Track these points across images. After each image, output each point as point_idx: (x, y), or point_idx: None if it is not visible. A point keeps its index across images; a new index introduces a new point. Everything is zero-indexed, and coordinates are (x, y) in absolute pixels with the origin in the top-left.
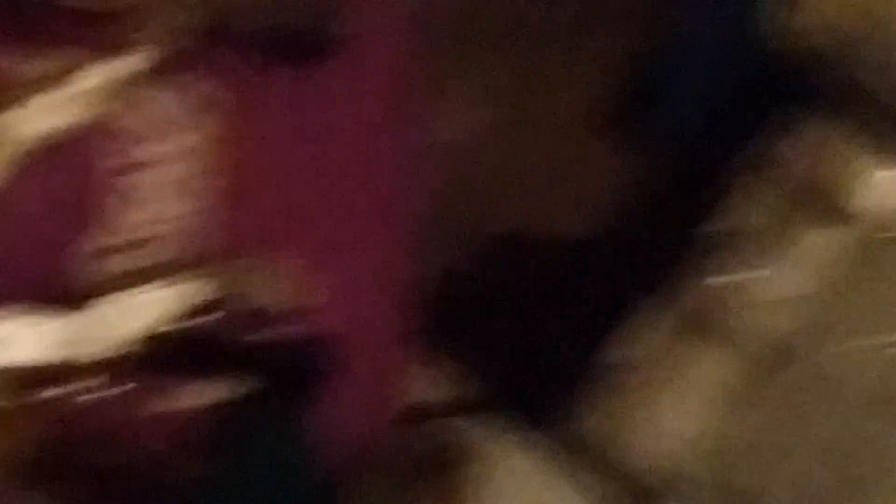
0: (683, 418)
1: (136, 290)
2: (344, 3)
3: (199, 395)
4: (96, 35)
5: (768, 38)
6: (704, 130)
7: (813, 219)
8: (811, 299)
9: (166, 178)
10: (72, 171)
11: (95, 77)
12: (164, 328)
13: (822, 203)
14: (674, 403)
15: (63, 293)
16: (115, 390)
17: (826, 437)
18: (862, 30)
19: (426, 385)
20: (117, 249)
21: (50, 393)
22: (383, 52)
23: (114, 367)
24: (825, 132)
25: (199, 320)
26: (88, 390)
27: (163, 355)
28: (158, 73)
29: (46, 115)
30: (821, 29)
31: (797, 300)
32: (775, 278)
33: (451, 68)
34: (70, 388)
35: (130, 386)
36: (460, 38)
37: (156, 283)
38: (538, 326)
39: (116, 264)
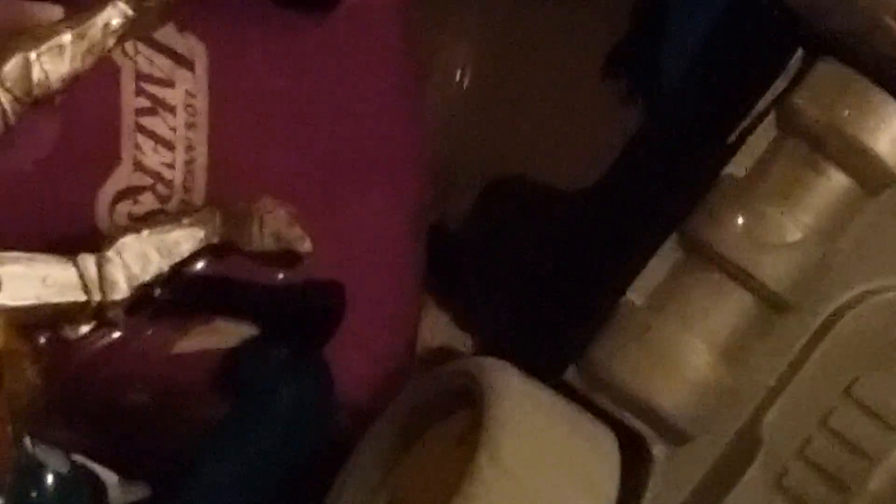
0: (694, 360)
1: (149, 233)
2: None
3: (212, 337)
4: None
5: None
6: (712, 74)
7: (828, 162)
8: (824, 242)
9: (172, 124)
10: (84, 114)
11: (103, 21)
12: (177, 271)
13: (838, 147)
14: (685, 345)
15: (78, 235)
16: (131, 332)
17: (843, 379)
18: None
19: (437, 329)
20: (131, 193)
21: (65, 335)
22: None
23: (130, 309)
24: (839, 76)
25: (211, 263)
26: (104, 332)
27: (177, 298)
28: (159, 19)
29: (57, 59)
30: None
31: (812, 243)
32: (789, 221)
33: (449, 16)
34: (86, 329)
35: (146, 328)
36: None
37: (168, 226)
38: (547, 270)
39: (130, 207)
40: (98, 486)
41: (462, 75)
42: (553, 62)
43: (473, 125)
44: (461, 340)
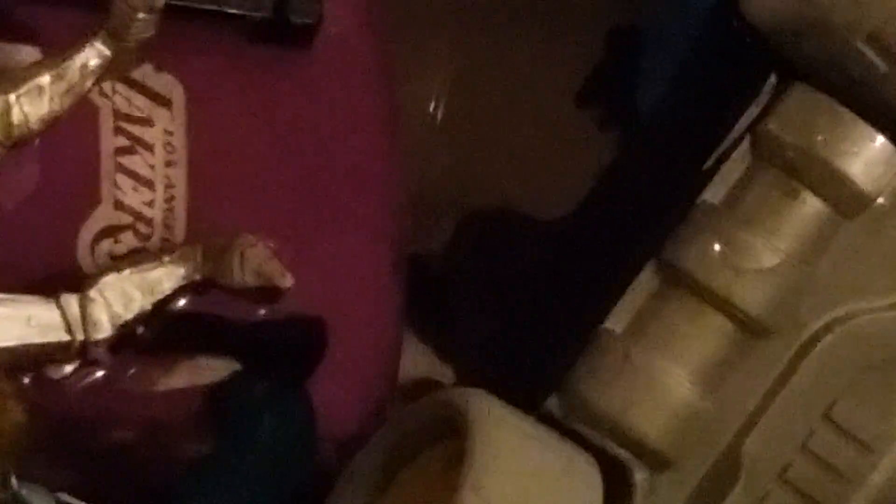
0: (674, 386)
1: (131, 271)
2: None
3: (195, 374)
4: (78, 20)
5: (745, 8)
6: (686, 101)
7: (803, 187)
8: (801, 267)
9: (151, 162)
10: (63, 155)
11: (81, 62)
12: (159, 309)
13: (813, 172)
14: (664, 372)
15: (60, 275)
16: (115, 370)
17: (822, 403)
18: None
19: (418, 360)
20: (112, 232)
21: (49, 374)
22: (356, 37)
23: (113, 347)
24: (812, 101)
25: (192, 300)
26: (88, 371)
27: (160, 335)
28: (137, 58)
29: (36, 101)
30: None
31: (788, 268)
32: (766, 247)
33: (422, 48)
34: (69, 369)
35: (130, 366)
36: (431, 16)
37: (150, 265)
38: (525, 300)
39: (112, 246)
40: None
41: (436, 106)
42: (527, 91)
43: (449, 156)
44: (442, 371)
